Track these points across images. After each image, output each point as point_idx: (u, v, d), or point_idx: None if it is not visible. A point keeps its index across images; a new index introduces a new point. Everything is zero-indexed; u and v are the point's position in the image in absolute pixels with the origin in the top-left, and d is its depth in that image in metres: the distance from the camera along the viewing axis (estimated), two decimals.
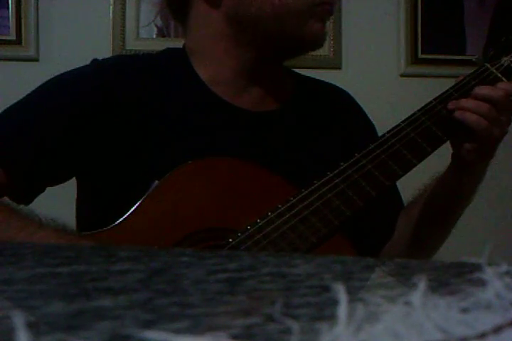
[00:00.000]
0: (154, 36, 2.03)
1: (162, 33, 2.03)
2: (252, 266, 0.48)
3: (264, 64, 0.99)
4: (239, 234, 0.86)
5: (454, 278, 0.41)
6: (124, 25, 1.99)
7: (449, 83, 0.96)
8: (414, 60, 2.10)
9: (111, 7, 1.99)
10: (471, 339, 0.25)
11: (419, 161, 0.92)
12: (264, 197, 0.91)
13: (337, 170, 0.89)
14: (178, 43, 1.06)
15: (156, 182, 0.88)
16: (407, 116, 0.93)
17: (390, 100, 2.04)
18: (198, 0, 0.98)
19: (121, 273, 0.43)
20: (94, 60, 1.00)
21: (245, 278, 0.42)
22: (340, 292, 0.27)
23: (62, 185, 0.98)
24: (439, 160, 0.98)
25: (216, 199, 0.90)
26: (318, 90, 1.10)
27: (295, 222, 0.87)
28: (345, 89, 1.14)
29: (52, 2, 1.97)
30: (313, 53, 1.02)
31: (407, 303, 0.27)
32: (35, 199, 0.97)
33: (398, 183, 0.99)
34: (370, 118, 1.13)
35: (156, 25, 2.02)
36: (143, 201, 0.88)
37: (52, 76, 0.98)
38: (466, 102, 0.91)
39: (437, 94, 0.94)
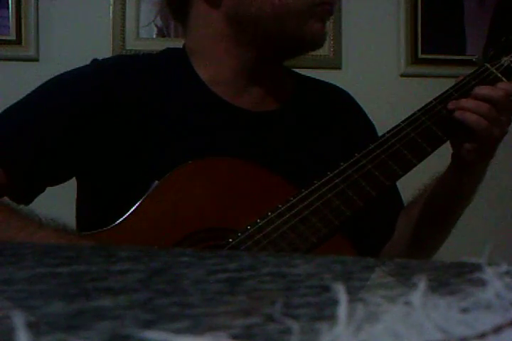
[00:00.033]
0: (154, 36, 2.03)
1: (162, 33, 2.03)
2: (252, 266, 0.48)
3: (264, 64, 0.99)
4: (239, 234, 0.86)
5: (454, 278, 0.41)
6: (124, 25, 1.99)
7: (449, 83, 0.96)
8: (414, 60, 2.10)
9: (111, 7, 1.99)
10: (471, 339, 0.25)
11: (419, 161, 0.92)
12: (264, 197, 0.91)
13: (337, 170, 0.89)
14: (178, 43, 1.06)
15: (156, 182, 0.88)
16: (407, 116, 0.93)
17: (390, 100, 2.04)
18: (197, 0, 0.98)
19: (121, 273, 0.43)
20: (94, 60, 1.00)
21: (245, 278, 0.42)
22: (341, 292, 0.27)
23: (62, 185, 0.98)
24: (439, 160, 0.98)
25: (216, 199, 0.90)
26: (318, 90, 1.10)
27: (295, 222, 0.87)
28: (345, 89, 1.14)
29: (52, 2, 1.97)
30: (313, 53, 1.02)
31: (407, 303, 0.27)
32: (35, 199, 0.97)
33: (398, 183, 0.99)
34: (370, 118, 1.13)
35: (156, 25, 2.02)
36: (143, 201, 0.88)
37: (52, 76, 0.98)
38: (466, 102, 0.91)
39: (437, 94, 0.94)
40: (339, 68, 2.08)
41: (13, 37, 1.95)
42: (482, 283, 0.31)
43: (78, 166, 0.96)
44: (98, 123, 0.93)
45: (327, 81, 1.14)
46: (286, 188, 0.91)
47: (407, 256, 1.03)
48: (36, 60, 1.96)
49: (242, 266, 0.48)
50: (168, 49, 1.06)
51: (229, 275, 0.43)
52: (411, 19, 2.10)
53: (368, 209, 0.91)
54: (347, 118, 1.09)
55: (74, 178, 0.99)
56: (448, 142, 0.94)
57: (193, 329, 0.28)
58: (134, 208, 0.88)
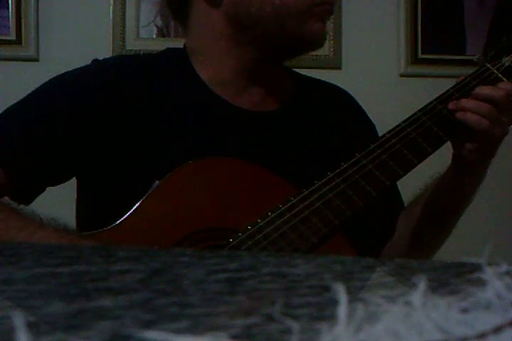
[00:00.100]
0: (154, 36, 2.03)
1: (162, 33, 2.03)
2: (252, 266, 0.48)
3: (264, 64, 0.99)
4: (239, 234, 0.86)
5: (454, 278, 0.41)
6: (124, 25, 1.99)
7: (449, 83, 0.96)
8: (414, 60, 2.10)
9: (111, 7, 1.99)
10: (471, 339, 0.25)
11: (420, 161, 0.91)
12: (265, 197, 0.91)
13: (338, 170, 0.89)
14: (178, 43, 1.06)
15: (157, 182, 0.88)
16: (407, 116, 0.93)
17: (390, 100, 2.04)
18: (198, 0, 0.98)
19: (121, 273, 0.43)
20: (95, 60, 1.00)
21: (245, 278, 0.42)
22: (341, 292, 0.27)
23: (62, 185, 0.98)
24: (440, 160, 0.98)
25: (216, 199, 0.90)
26: (318, 90, 1.10)
27: (295, 222, 0.87)
28: (345, 89, 1.14)
29: (52, 2, 1.97)
30: (313, 53, 1.03)
31: (407, 303, 0.27)
32: (36, 199, 0.97)
33: (399, 183, 0.99)
34: (371, 118, 1.13)
35: (156, 25, 2.02)
36: (143, 201, 0.88)
37: (52, 76, 0.98)
38: (466, 102, 0.91)
39: (437, 94, 0.94)
40: (339, 68, 2.08)
41: (13, 37, 1.95)
42: (482, 283, 0.31)
43: (78, 166, 0.96)
44: (98, 123, 0.93)
45: (327, 81, 1.14)
46: (286, 188, 0.91)
47: (407, 256, 1.03)
48: (36, 60, 1.96)
49: (242, 266, 0.48)
50: (169, 49, 1.06)
51: (229, 275, 0.43)
52: (411, 19, 2.10)
53: (369, 209, 0.91)
54: (347, 118, 1.09)
55: (74, 178, 0.99)
56: (449, 142, 0.94)
57: (193, 329, 0.28)
58: (134, 208, 0.88)
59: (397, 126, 0.92)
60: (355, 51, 2.08)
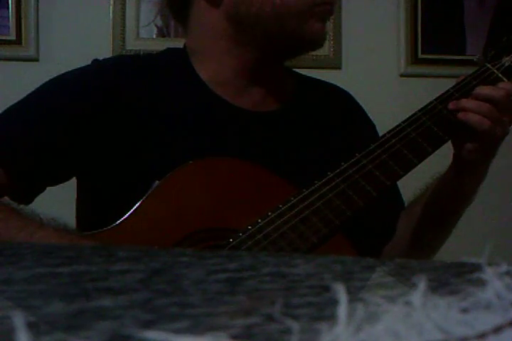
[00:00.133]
0: (154, 36, 2.03)
1: (162, 33, 2.03)
2: (252, 266, 0.48)
3: (264, 64, 0.99)
4: (240, 234, 0.86)
5: (454, 278, 0.41)
6: (124, 25, 1.99)
7: (449, 83, 0.96)
8: (414, 60, 2.10)
9: (111, 7, 1.99)
10: (471, 339, 0.25)
11: (420, 161, 0.91)
12: (265, 197, 0.91)
13: (338, 170, 0.89)
14: (178, 43, 1.06)
15: (157, 182, 0.88)
16: (407, 116, 0.93)
17: (390, 100, 2.04)
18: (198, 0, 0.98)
19: (121, 273, 0.43)
20: (95, 60, 1.00)
21: (245, 278, 0.42)
22: (341, 292, 0.27)
23: (62, 185, 0.98)
24: (440, 160, 0.98)
25: (216, 199, 0.90)
26: (318, 90, 1.10)
27: (296, 222, 0.87)
28: (345, 89, 1.14)
29: (52, 2, 1.97)
30: (313, 53, 1.03)
31: (407, 303, 0.27)
32: (36, 199, 0.97)
33: (399, 183, 0.99)
34: (371, 118, 1.13)
35: (156, 25, 2.02)
36: (143, 201, 0.88)
37: (52, 76, 0.98)
38: (466, 102, 0.91)
39: (437, 94, 0.94)
40: (339, 68, 2.07)
41: (13, 37, 1.95)
42: (482, 283, 0.31)
43: (78, 166, 0.96)
44: (98, 123, 0.93)
45: (327, 81, 1.14)
46: (286, 188, 0.91)
47: (407, 256, 1.03)
48: (36, 60, 1.96)
49: (242, 266, 0.48)
50: (169, 49, 1.06)
51: (229, 275, 0.43)
52: (411, 19, 2.10)
53: (369, 209, 0.91)
54: (348, 118, 1.09)
55: (74, 178, 0.99)
56: (449, 142, 0.94)
57: (193, 329, 0.28)
58: (134, 208, 0.88)
59: (397, 126, 0.92)
60: (355, 51, 2.08)
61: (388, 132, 0.92)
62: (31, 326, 0.24)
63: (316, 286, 0.40)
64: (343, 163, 0.90)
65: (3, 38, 1.95)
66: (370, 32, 2.10)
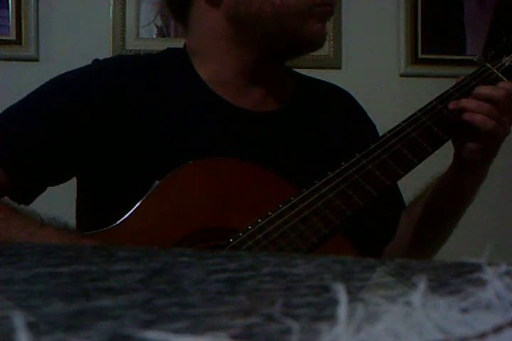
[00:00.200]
0: (154, 36, 2.03)
1: (162, 33, 2.03)
2: (252, 266, 0.48)
3: (264, 64, 0.99)
4: (240, 234, 0.86)
5: (454, 278, 0.41)
6: (124, 25, 1.99)
7: (449, 83, 0.96)
8: (414, 60, 2.10)
9: (111, 7, 1.99)
10: (471, 339, 0.25)
11: (420, 161, 0.91)
12: (265, 197, 0.91)
13: (338, 170, 0.89)
14: (178, 43, 1.06)
15: (157, 182, 0.88)
16: (407, 116, 0.93)
17: (390, 100, 2.04)
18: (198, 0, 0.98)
19: (121, 273, 0.43)
20: (95, 60, 1.00)
21: (245, 278, 0.42)
22: (341, 292, 0.27)
23: (62, 185, 0.98)
24: (440, 160, 0.98)
25: (216, 199, 0.90)
26: (319, 90, 1.10)
27: (296, 222, 0.87)
28: (345, 89, 1.14)
29: (52, 2, 1.97)
30: (313, 53, 1.02)
31: (407, 303, 0.27)
32: (36, 199, 0.97)
33: (399, 183, 0.99)
34: (371, 118, 1.13)
35: (156, 25, 2.02)
36: (143, 201, 0.88)
37: (52, 76, 0.98)
38: (467, 102, 0.91)
39: (437, 94, 0.94)
40: (339, 68, 2.07)
41: (13, 37, 1.95)
42: (482, 283, 0.31)
43: (78, 166, 0.96)
44: (99, 123, 0.93)
45: (327, 81, 1.14)
46: (286, 188, 0.91)
47: (408, 256, 1.03)
48: (36, 60, 1.96)
49: (242, 266, 0.47)
50: (169, 49, 1.06)
51: (229, 275, 0.43)
52: (411, 19, 2.10)
53: (369, 209, 0.91)
54: (348, 118, 1.09)
55: (74, 178, 0.99)
56: (449, 142, 0.94)
57: (193, 329, 0.28)
58: (134, 208, 0.88)
59: (397, 126, 0.92)
60: (355, 51, 2.08)
61: (388, 132, 0.92)
62: (31, 326, 0.24)
63: (316, 286, 0.40)
64: (343, 163, 0.90)
65: (3, 38, 1.95)
66: (370, 32, 2.10)
